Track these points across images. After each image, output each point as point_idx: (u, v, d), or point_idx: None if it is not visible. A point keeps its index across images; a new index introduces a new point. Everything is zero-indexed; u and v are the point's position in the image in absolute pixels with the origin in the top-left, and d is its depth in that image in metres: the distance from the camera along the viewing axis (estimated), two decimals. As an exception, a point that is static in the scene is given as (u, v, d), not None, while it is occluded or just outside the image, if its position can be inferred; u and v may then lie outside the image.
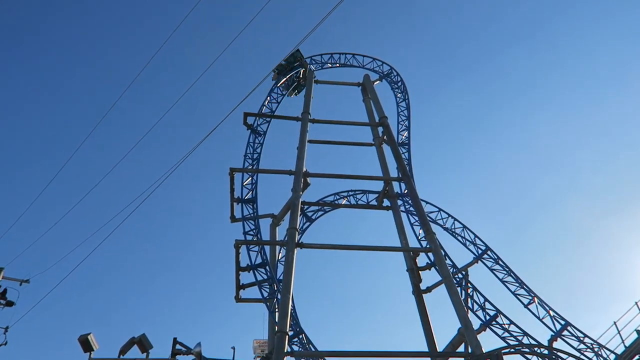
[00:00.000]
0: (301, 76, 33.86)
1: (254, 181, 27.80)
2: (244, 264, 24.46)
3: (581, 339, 26.25)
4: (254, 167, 28.24)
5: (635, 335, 21.14)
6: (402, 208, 29.44)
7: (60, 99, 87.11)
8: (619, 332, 21.95)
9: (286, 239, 24.56)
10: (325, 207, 29.25)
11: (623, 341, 21.56)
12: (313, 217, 28.76)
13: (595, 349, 25.45)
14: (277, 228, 28.54)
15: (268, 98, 31.87)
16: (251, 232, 25.53)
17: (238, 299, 24.98)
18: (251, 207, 26.80)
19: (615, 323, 22.52)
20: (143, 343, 14.15)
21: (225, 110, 28.21)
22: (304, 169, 26.87)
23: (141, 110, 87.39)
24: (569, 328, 26.65)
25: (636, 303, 21.96)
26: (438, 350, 24.53)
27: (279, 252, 26.85)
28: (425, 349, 25.03)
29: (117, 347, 14.16)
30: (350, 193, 29.97)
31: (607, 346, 24.65)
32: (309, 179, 27.12)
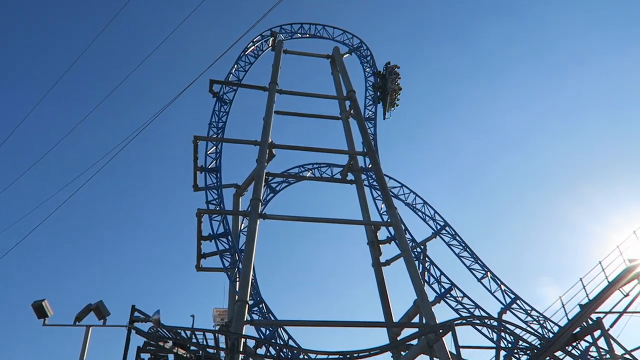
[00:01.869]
0: (270, 44, 33.28)
1: (218, 150, 27.48)
2: (205, 233, 24.41)
3: (529, 311, 27.66)
4: (219, 136, 27.85)
5: (578, 309, 22.40)
6: (365, 182, 29.85)
7: (18, 58, 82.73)
8: (563, 306, 23.15)
9: (249, 209, 24.60)
10: (289, 179, 29.29)
11: (566, 314, 22.78)
12: (277, 189, 28.78)
13: (541, 322, 26.90)
14: (240, 198, 28.48)
15: (235, 66, 31.23)
16: (214, 202, 25.38)
17: (199, 268, 25.01)
18: (215, 176, 26.56)
19: (560, 297, 23.74)
20: (100, 310, 13.99)
21: (191, 77, 27.46)
22: (270, 140, 26.73)
23: (102, 73, 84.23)
24: (518, 301, 28.00)
25: (580, 279, 23.11)
26: (394, 321, 25.44)
27: (242, 223, 26.87)
28: (382, 319, 25.92)
29: (73, 314, 13.98)
30: (315, 166, 30.08)
31: (551, 319, 26.08)
32: (274, 150, 27.04)
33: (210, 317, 29.10)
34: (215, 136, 27.70)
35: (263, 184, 25.42)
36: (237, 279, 22.05)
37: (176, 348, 17.10)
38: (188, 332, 17.03)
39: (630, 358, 23.83)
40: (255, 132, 27.48)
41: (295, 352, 19.14)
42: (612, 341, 20.48)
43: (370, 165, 28.65)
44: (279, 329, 21.44)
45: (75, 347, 13.52)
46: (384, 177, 27.56)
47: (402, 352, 23.13)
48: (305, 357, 18.40)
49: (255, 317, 21.65)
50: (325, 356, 17.62)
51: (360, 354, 17.45)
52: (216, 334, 17.92)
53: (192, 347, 17.24)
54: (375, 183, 28.64)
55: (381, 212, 28.52)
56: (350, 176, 29.50)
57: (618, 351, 22.05)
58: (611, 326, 21.90)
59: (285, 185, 29.13)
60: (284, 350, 19.45)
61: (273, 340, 20.35)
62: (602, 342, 20.24)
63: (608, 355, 19.92)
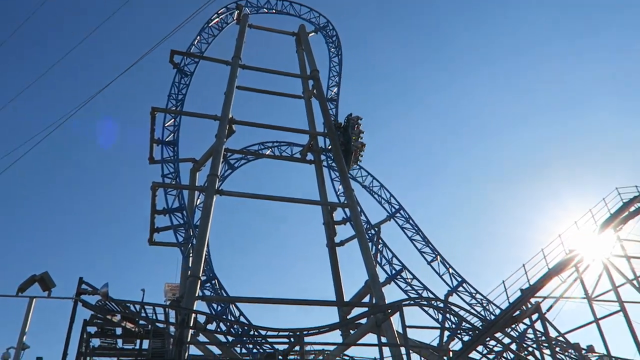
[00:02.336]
0: (235, 18, 32.57)
1: (176, 123, 26.90)
2: (160, 207, 24.02)
3: (473, 294, 28.87)
4: (178, 109, 27.23)
5: (519, 293, 23.60)
6: (324, 163, 30.01)
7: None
8: (505, 290, 24.35)
9: (206, 185, 24.32)
10: (248, 156, 29.06)
11: (508, 298, 23.97)
12: (235, 165, 28.51)
13: (484, 304, 28.16)
14: (197, 173, 28.05)
15: (198, 38, 30.44)
16: (170, 175, 24.94)
17: (152, 242, 24.65)
18: (172, 149, 26.05)
19: (504, 282, 24.91)
20: (45, 281, 13.60)
21: (152, 45, 26.55)
22: (230, 116, 26.35)
23: (54, 36, 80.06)
24: (464, 284, 29.15)
25: (523, 265, 24.36)
26: (345, 300, 26.02)
27: (198, 198, 26.56)
28: (334, 299, 26.45)
29: (16, 285, 13.54)
30: (275, 144, 29.94)
31: (494, 302, 27.34)
32: (234, 126, 26.68)
33: (162, 292, 28.86)
34: (174, 109, 27.09)
35: (221, 159, 25.14)
36: (191, 255, 21.92)
37: (124, 322, 16.92)
38: (137, 306, 16.84)
39: (563, 340, 25.45)
40: (216, 107, 27.05)
41: (245, 328, 19.34)
42: (547, 324, 21.68)
43: (330, 147, 28.79)
44: (230, 306, 21.54)
45: (17, 320, 13.16)
46: (342, 159, 27.77)
47: (351, 331, 23.77)
48: (256, 333, 18.63)
49: (207, 293, 21.64)
50: (275, 333, 17.88)
51: (310, 332, 17.80)
52: (166, 309, 17.81)
53: (141, 322, 17.10)
54: (334, 164, 28.83)
55: (338, 193, 28.82)
56: (309, 156, 29.59)
57: (553, 333, 23.48)
58: (548, 310, 23.20)
59: (243, 162, 28.91)
60: (235, 326, 19.62)
61: (224, 317, 20.46)
62: (538, 325, 21.38)
63: (543, 337, 21.09)
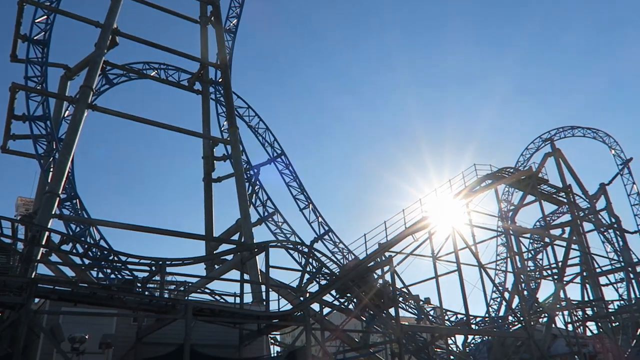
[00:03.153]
0: None
1: (50, 21, 23.73)
2: (19, 112, 21.48)
3: (337, 243, 30.84)
4: (53, 5, 24.01)
5: (376, 247, 25.77)
6: (212, 96, 29.00)
7: None
8: (365, 243, 26.36)
9: (77, 96, 22.20)
10: (130, 74, 26.90)
11: (366, 250, 26.04)
12: (114, 81, 26.26)
13: (345, 253, 30.25)
14: (69, 82, 25.38)
15: None
16: (35, 79, 22.22)
17: (5, 149, 22.13)
18: (40, 50, 23.09)
19: (365, 235, 26.90)
20: None
21: None
22: (115, 26, 23.94)
23: None
24: (330, 233, 30.93)
25: (384, 222, 26.49)
26: (214, 236, 26.13)
27: (66, 110, 24.20)
28: (203, 233, 26.39)
29: None
30: (162, 66, 28.01)
31: (354, 252, 29.47)
32: (117, 38, 24.34)
33: (13, 206, 26.35)
34: (47, 4, 23.81)
35: (99, 72, 22.98)
36: (51, 169, 20.13)
37: (-38, 232, 15.22)
38: (-21, 217, 15.19)
39: (406, 291, 28.46)
40: (99, 13, 24.38)
41: (105, 252, 18.58)
42: (396, 276, 24.04)
43: (220, 79, 27.81)
44: (91, 228, 20.46)
45: None
46: (232, 94, 27.11)
47: (215, 266, 24.09)
48: (116, 258, 18.00)
49: (66, 212, 20.25)
50: (136, 260, 17.42)
51: (173, 262, 17.66)
52: (15, 223, 16.31)
53: (-17, 234, 15.51)
54: (221, 98, 28.02)
55: (222, 128, 28.25)
56: (197, 86, 28.29)
57: (399, 284, 26.08)
58: (399, 264, 25.70)
59: (124, 80, 26.73)
60: (93, 249, 18.73)
61: (82, 239, 19.40)
62: (388, 276, 23.61)
63: (391, 288, 23.37)
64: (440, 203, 27.68)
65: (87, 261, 18.54)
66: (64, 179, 19.03)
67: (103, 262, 18.05)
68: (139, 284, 16.98)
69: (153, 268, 17.42)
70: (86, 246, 18.45)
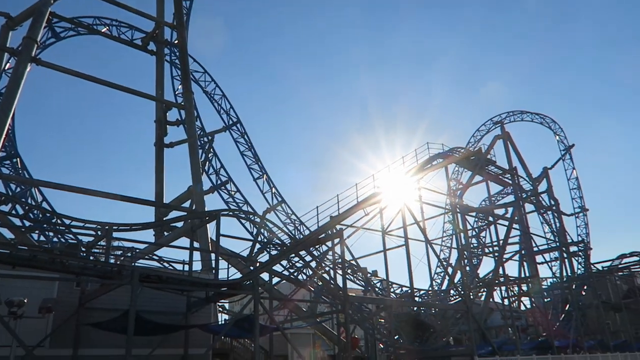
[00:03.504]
0: None
1: (-11, -36, 22.01)
2: (-48, 61, 20.02)
3: (289, 215, 30.94)
4: (-7, -53, 22.18)
5: (328, 219, 26.11)
6: (167, 57, 27.97)
7: None
8: (317, 215, 26.60)
9: (20, 48, 20.83)
10: (79, 28, 25.42)
11: (318, 222, 26.31)
12: (62, 35, 24.73)
13: (297, 225, 30.45)
14: (10, 32, 23.66)
15: None
16: (-29, 25, 20.66)
17: (-63, 101, 20.59)
18: (-22, -5, 21.41)
19: (317, 207, 27.12)
20: None
21: None
22: (63, -25, 22.48)
23: None
24: (283, 205, 30.96)
25: (337, 195, 26.77)
26: (164, 202, 25.58)
27: (7, 62, 22.67)
28: (153, 199, 25.76)
29: None
30: (115, 23, 26.63)
31: (306, 224, 29.73)
32: (66, -11, 22.93)
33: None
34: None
35: (44, 23, 21.61)
36: (-11, 125, 18.94)
37: None
38: None
39: (355, 264, 29.11)
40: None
41: (47, 215, 17.86)
42: (346, 248, 24.51)
43: (176, 41, 26.80)
44: (32, 189, 19.56)
45: None
46: (187, 57, 26.21)
47: (165, 232, 23.69)
48: (59, 221, 17.35)
49: (5, 171, 19.25)
50: (81, 224, 16.88)
51: (120, 227, 17.24)
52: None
53: None
54: (177, 61, 27.08)
55: (176, 92, 27.40)
56: (152, 46, 27.17)
57: (348, 257, 26.63)
58: (349, 236, 26.16)
59: (72, 34, 25.25)
60: (35, 211, 17.96)
61: (23, 199, 18.53)
62: (338, 248, 24.03)
63: (339, 259, 23.81)
64: (392, 179, 28.23)
65: (27, 223, 17.76)
66: (4, 136, 17.99)
67: (45, 225, 17.36)
68: (83, 249, 16.49)
69: (99, 232, 16.95)
70: (27, 207, 17.67)
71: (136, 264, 16.50)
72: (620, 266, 46.82)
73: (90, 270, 14.48)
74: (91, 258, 16.27)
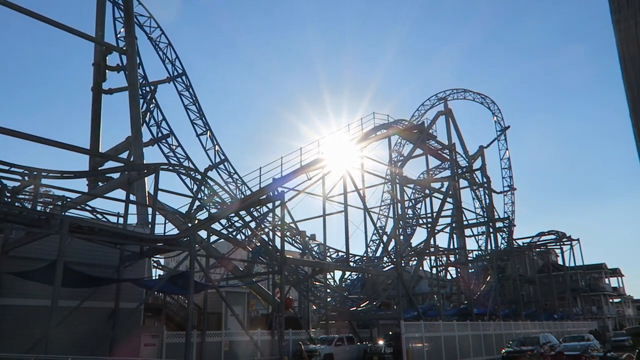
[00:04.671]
0: None
1: None
2: None
3: (231, 174, 30.48)
4: None
5: (271, 181, 26.00)
6: (110, -3, 26.08)
7: None
8: (260, 176, 26.42)
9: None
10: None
11: (260, 183, 26.16)
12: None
13: (239, 184, 30.10)
14: None
15: None
16: None
17: None
18: None
19: (260, 168, 26.89)
20: None
21: None
22: None
23: None
24: (225, 163, 30.40)
25: (281, 158, 26.66)
26: (100, 151, 24.35)
27: None
28: (87, 147, 24.43)
29: None
30: (51, -49, 24.40)
31: (248, 184, 29.47)
32: None
33: None
34: None
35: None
36: None
37: None
38: None
39: (294, 227, 29.36)
40: None
41: (-33, 155, 16.48)
42: (286, 211, 24.59)
43: (120, -20, 25.00)
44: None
45: None
46: None
47: (99, 183, 22.65)
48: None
49: None
50: (7, 167, 15.72)
51: (50, 173, 16.28)
52: None
53: None
54: (120, 1, 25.34)
55: (118, 36, 25.76)
56: (93, -18, 25.19)
57: (288, 220, 26.75)
58: (290, 199, 26.21)
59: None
60: (-47, 150, 16.50)
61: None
62: (279, 211, 24.10)
63: (279, 222, 23.92)
64: (337, 146, 28.40)
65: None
66: None
67: (-35, 166, 16.04)
68: (7, 194, 15.46)
69: (26, 178, 15.91)
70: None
71: (66, 214, 15.72)
72: (538, 243, 50.52)
73: (15, 217, 13.64)
74: (16, 204, 15.31)
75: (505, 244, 46.58)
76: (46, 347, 11.82)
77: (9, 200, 15.28)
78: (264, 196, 23.62)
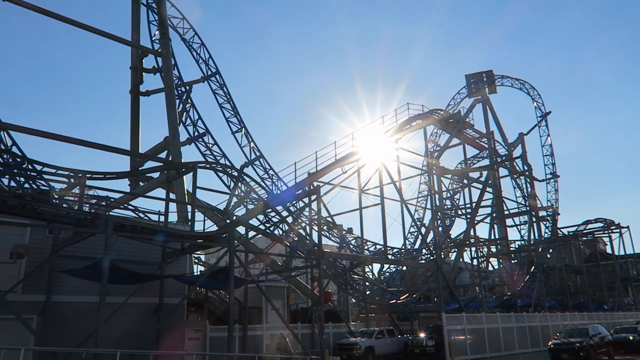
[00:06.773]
0: None
1: None
2: None
3: (267, 170, 30.77)
4: None
5: (306, 175, 26.10)
6: (143, 0, 26.68)
7: None
8: (295, 171, 26.58)
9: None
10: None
11: (296, 178, 26.33)
12: (30, -30, 23.21)
13: (274, 180, 30.36)
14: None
15: None
16: None
17: None
18: None
19: (295, 163, 27.05)
20: None
21: None
22: None
23: None
24: (261, 159, 30.71)
25: (316, 152, 26.75)
26: (140, 152, 25.04)
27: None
28: (128, 148, 25.16)
29: None
30: (87, -40, 25.16)
31: (283, 179, 29.68)
32: None
33: None
34: None
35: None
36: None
37: None
38: None
39: (331, 220, 29.39)
40: None
41: (18, 160, 17.25)
42: (322, 205, 24.66)
43: (153, -17, 25.55)
44: (1, 133, 18.78)
45: None
46: (165, 1, 25.08)
47: (140, 183, 23.32)
48: (30, 167, 16.80)
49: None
50: (54, 170, 16.37)
51: (94, 175, 16.84)
52: None
53: None
54: (154, 4, 25.90)
55: (153, 38, 26.35)
56: (127, -13, 25.84)
57: (324, 214, 26.82)
58: (326, 193, 26.27)
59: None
60: (4, 155, 17.31)
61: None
62: (315, 205, 24.18)
63: (316, 216, 23.99)
64: (371, 138, 28.20)
65: (-3, 167, 17.16)
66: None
67: (15, 170, 16.80)
68: (55, 195, 16.10)
69: (72, 180, 16.52)
70: (-4, 151, 17.00)
71: (110, 213, 16.25)
72: (585, 231, 48.69)
73: (62, 218, 14.23)
74: (64, 206, 15.94)
75: (550, 233, 45.16)
76: (96, 341, 12.28)
77: (57, 202, 15.91)
78: (300, 191, 23.73)
